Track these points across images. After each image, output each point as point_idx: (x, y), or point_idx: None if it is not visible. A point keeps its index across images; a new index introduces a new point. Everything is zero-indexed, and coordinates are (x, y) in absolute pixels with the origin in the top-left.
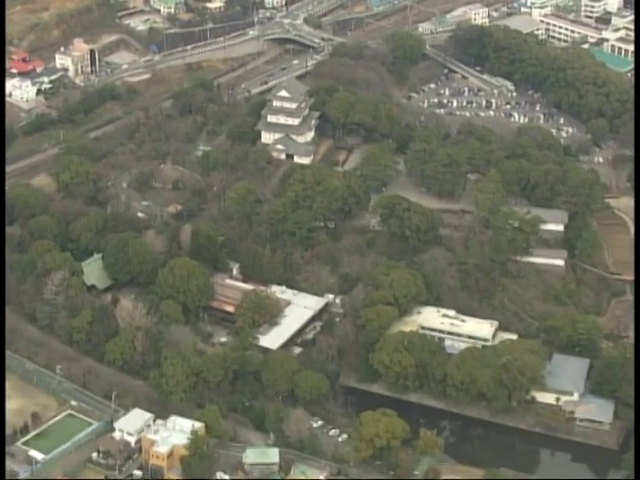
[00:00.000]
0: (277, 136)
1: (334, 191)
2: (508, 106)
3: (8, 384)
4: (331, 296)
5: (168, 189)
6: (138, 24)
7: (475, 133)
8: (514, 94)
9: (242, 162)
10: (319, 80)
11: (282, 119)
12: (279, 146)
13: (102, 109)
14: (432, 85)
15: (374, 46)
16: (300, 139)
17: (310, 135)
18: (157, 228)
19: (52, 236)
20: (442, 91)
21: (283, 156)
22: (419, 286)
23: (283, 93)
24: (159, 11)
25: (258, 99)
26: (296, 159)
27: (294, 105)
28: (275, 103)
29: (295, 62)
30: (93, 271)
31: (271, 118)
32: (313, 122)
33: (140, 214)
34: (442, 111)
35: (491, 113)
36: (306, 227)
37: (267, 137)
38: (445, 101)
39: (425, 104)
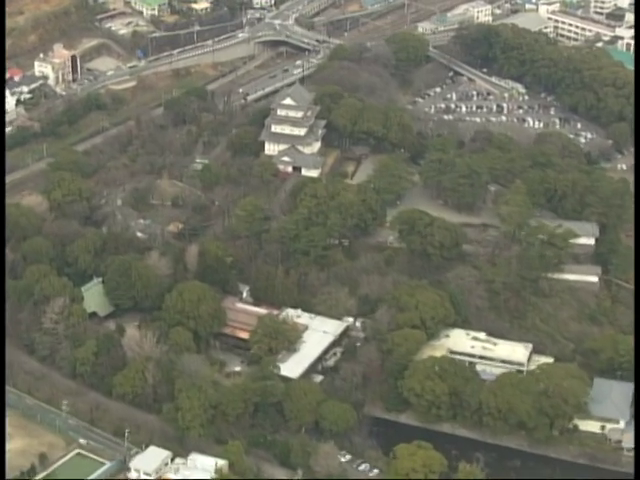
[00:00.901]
0: (282, 147)
1: (349, 206)
2: (520, 110)
3: (9, 421)
4: (350, 319)
5: (167, 206)
6: (120, 28)
7: (494, 141)
8: (526, 97)
9: (245, 176)
10: (321, 86)
11: (287, 129)
12: (285, 158)
13: (87, 120)
14: (437, 89)
15: (374, 48)
16: (307, 150)
17: (317, 146)
18: (159, 249)
19: (48, 260)
20: (449, 95)
21: (290, 169)
22: (447, 307)
23: (288, 101)
24: (141, 13)
25: (260, 107)
26: (304, 172)
27: (300, 114)
28: (279, 112)
29: (296, 63)
30: (93, 297)
31: (275, 128)
32: (320, 132)
33: (139, 234)
34: (450, 117)
35: (503, 118)
36: (321, 245)
37: (271, 148)
38: (453, 106)
39: (432, 109)
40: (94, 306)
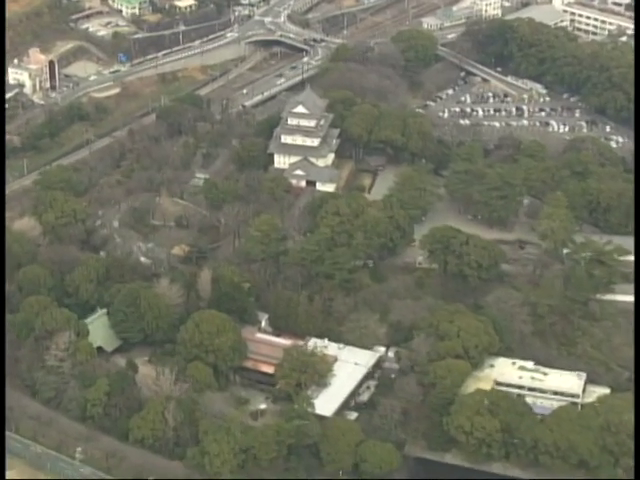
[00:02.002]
0: (293, 159)
1: (375, 224)
2: (542, 113)
3: (14, 472)
4: (382, 349)
5: (170, 227)
6: (98, 29)
7: (525, 149)
8: (547, 99)
9: (255, 192)
10: (327, 90)
11: (299, 139)
12: (298, 171)
13: (69, 132)
14: (449, 91)
15: (379, 47)
16: (320, 162)
17: (331, 157)
18: (167, 275)
19: (46, 290)
20: (462, 98)
21: (303, 183)
22: (490, 334)
23: (300, 109)
24: (121, 12)
25: (268, 116)
26: (318, 186)
27: (312, 122)
28: (290, 121)
29: (293, 65)
30: (98, 330)
31: (286, 138)
32: (334, 142)
33: (142, 258)
34: (467, 122)
35: (524, 122)
36: (347, 268)
37: (281, 161)
38: (468, 110)
39: (445, 114)
40: (100, 340)
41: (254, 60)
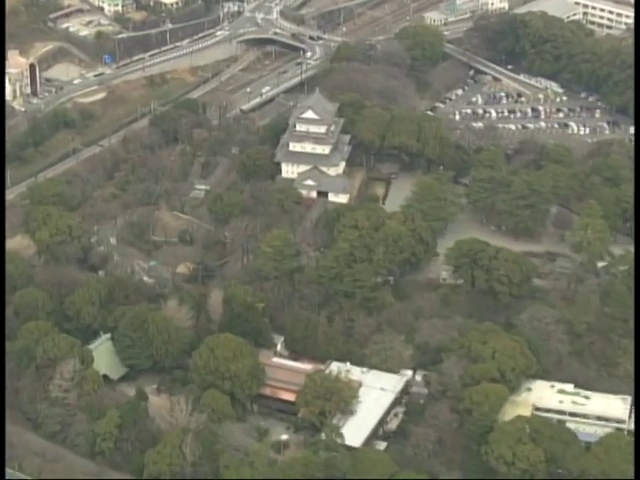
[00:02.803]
0: (303, 169)
1: (397, 238)
2: (560, 114)
3: None
4: (409, 372)
5: (172, 243)
6: (80, 28)
7: (550, 153)
8: (564, 98)
9: (261, 203)
10: (331, 92)
11: (309, 147)
12: (308, 181)
13: (54, 141)
14: (459, 91)
15: (382, 45)
16: (332, 171)
17: (342, 166)
18: (174, 295)
19: (44, 314)
20: (474, 98)
21: (314, 194)
22: (527, 355)
23: (309, 114)
24: (102, 10)
25: (272, 121)
26: (331, 197)
27: (323, 128)
28: (299, 127)
29: (288, 66)
30: (103, 357)
31: (294, 146)
32: (346, 149)
33: (145, 278)
34: (480, 124)
35: (542, 124)
36: (368, 286)
37: (289, 170)
38: (480, 111)
39: (456, 116)
40: (105, 368)
41: (247, 60)
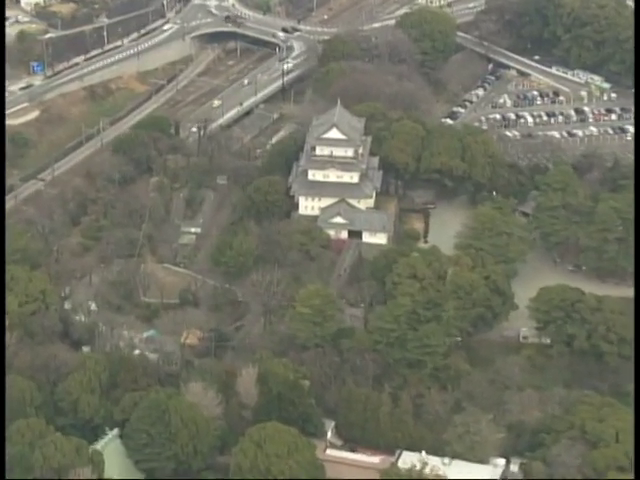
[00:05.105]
0: (326, 202)
1: (470, 289)
2: (612, 115)
3: None
4: (501, 460)
5: (171, 306)
6: None
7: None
8: (612, 95)
9: (278, 249)
10: (343, 102)
11: (333, 175)
12: (337, 219)
13: None
14: (479, 91)
15: (381, 35)
16: (362, 204)
17: (373, 197)
18: (192, 376)
19: (33, 409)
20: (500, 100)
21: (344, 234)
22: None
23: (334, 133)
24: (18, 2)
25: (281, 145)
26: (366, 237)
27: (350, 151)
28: (320, 150)
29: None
30: (111, 460)
31: (314, 174)
32: (376, 175)
33: (146, 352)
34: (516, 134)
35: (592, 130)
36: (440, 352)
37: (309, 205)
38: (512, 116)
39: (484, 123)
40: (115, 474)
41: (205, 61)
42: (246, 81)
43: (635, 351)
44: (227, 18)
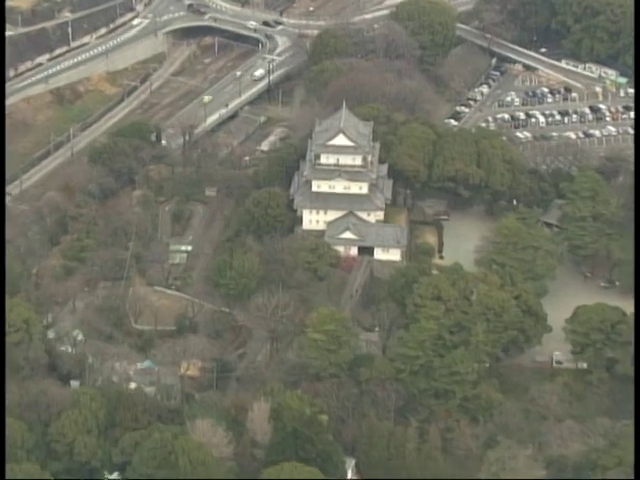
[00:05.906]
0: (333, 216)
1: (502, 310)
2: (630, 113)
3: None
4: None
5: (167, 333)
6: None
7: None
8: (629, 90)
9: (282, 267)
10: (335, 102)
11: (340, 185)
12: (347, 234)
13: None
14: (483, 88)
15: (373, 28)
16: (371, 217)
17: (383, 209)
18: (195, 411)
19: (25, 452)
20: (507, 98)
21: (354, 251)
22: None
23: (340, 139)
24: None
25: (279, 153)
26: (377, 254)
27: (359, 159)
28: (325, 158)
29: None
30: None
31: (319, 185)
32: (386, 184)
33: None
34: (527, 135)
35: (611, 129)
36: (469, 380)
37: (313, 219)
38: (522, 115)
39: (491, 124)
40: None
41: (179, 58)
42: (238, 73)
43: (635, 351)
44: (190, 7)
